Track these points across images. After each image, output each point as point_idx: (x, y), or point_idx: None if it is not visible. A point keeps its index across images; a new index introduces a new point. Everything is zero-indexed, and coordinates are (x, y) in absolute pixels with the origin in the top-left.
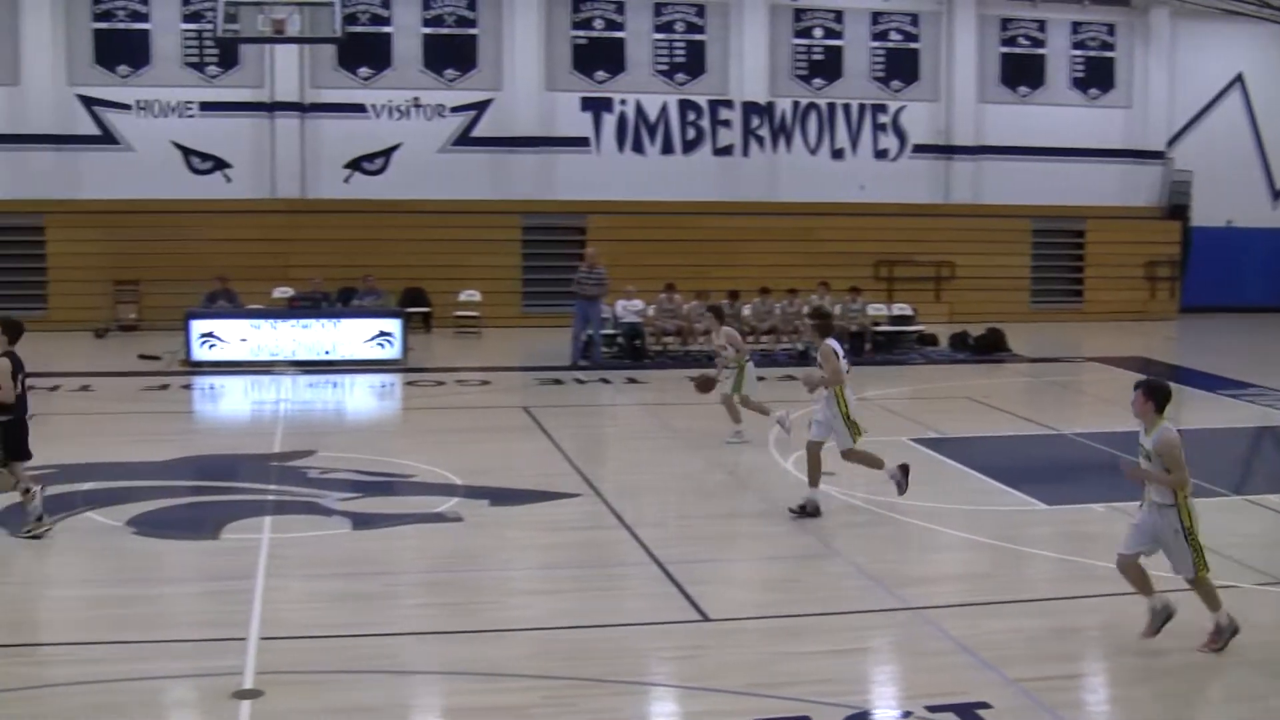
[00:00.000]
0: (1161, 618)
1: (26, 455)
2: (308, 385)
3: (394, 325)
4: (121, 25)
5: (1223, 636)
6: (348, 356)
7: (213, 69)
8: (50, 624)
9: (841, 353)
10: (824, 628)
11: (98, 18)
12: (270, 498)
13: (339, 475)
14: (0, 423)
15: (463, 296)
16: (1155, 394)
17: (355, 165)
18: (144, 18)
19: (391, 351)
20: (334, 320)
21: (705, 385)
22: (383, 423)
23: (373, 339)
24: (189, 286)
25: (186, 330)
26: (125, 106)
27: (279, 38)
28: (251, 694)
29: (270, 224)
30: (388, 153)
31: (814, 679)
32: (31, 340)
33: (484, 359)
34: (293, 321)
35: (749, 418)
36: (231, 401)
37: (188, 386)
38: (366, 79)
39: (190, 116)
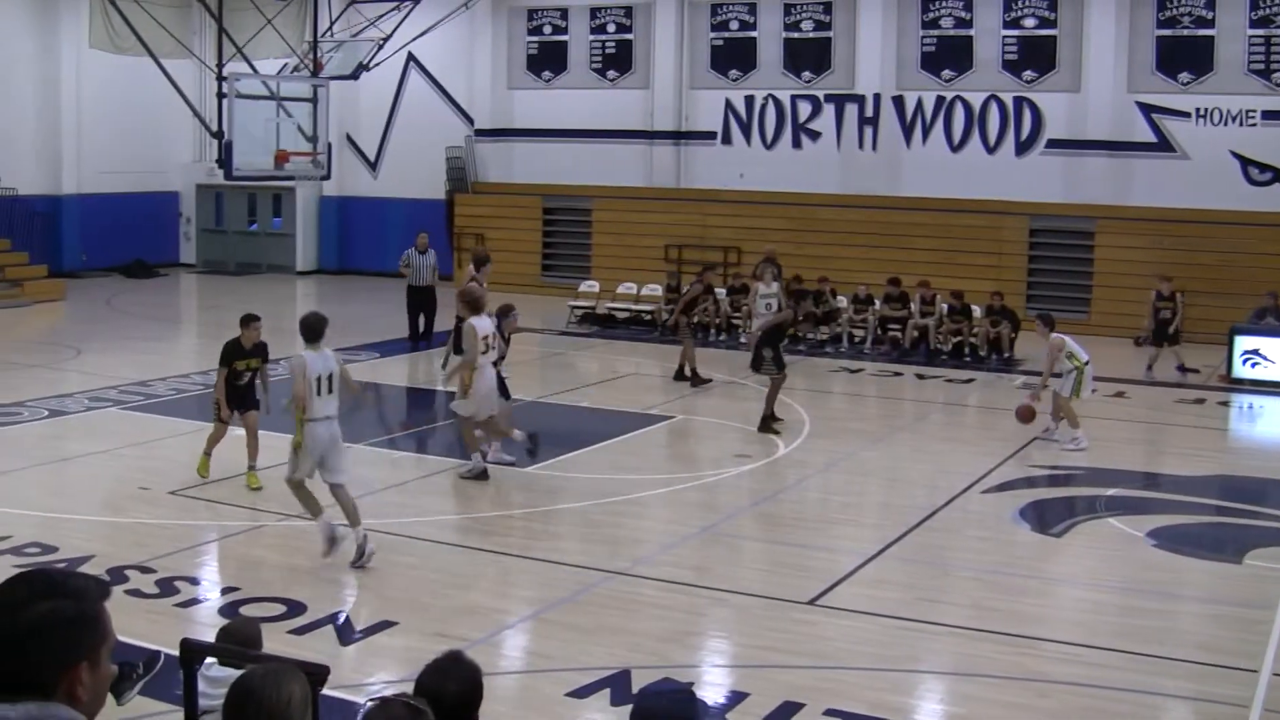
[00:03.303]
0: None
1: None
2: None
3: None
4: (1186, 32)
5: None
6: None
7: (1279, 76)
8: (1057, 621)
9: (486, 332)
10: None
11: (1161, 24)
12: None
13: None
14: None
15: None
16: None
17: None
18: (1208, 24)
19: None
20: None
21: (1027, 415)
22: None
23: None
24: (1235, 300)
25: (1229, 345)
26: (1184, 114)
27: None
28: None
29: None
30: None
31: None
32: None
33: None
34: None
35: None
36: (1270, 423)
37: (1224, 403)
38: None
39: (1251, 125)
